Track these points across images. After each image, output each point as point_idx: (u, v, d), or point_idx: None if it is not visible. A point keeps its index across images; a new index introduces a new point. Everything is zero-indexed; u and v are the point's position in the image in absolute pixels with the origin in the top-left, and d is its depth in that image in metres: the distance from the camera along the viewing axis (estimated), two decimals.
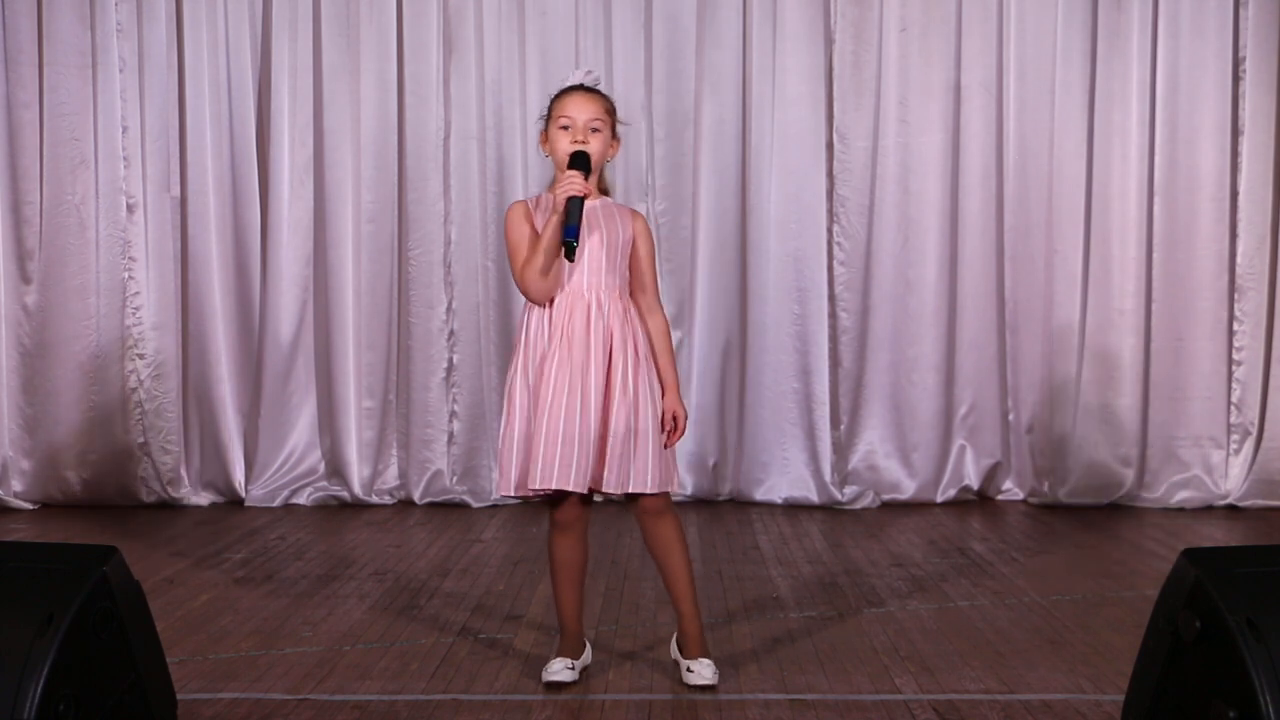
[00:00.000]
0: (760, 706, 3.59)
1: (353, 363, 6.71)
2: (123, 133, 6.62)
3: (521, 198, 6.50)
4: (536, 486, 3.63)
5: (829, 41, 6.65)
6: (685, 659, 3.79)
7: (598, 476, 3.65)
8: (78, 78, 6.59)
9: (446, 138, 6.66)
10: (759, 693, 3.71)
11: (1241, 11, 6.54)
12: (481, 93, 6.66)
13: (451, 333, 6.70)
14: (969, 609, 4.64)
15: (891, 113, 6.65)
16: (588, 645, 3.92)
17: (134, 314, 6.66)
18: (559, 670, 3.75)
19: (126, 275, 6.65)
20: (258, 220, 6.73)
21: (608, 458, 3.64)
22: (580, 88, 3.76)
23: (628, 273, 3.78)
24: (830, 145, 6.67)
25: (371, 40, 6.64)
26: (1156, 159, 6.58)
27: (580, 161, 3.64)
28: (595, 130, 3.71)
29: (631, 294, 3.78)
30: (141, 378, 6.67)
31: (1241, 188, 6.59)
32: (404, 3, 6.63)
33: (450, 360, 6.70)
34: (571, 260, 3.62)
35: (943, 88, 6.65)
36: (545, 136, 3.77)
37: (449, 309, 6.69)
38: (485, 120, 6.66)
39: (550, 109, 3.77)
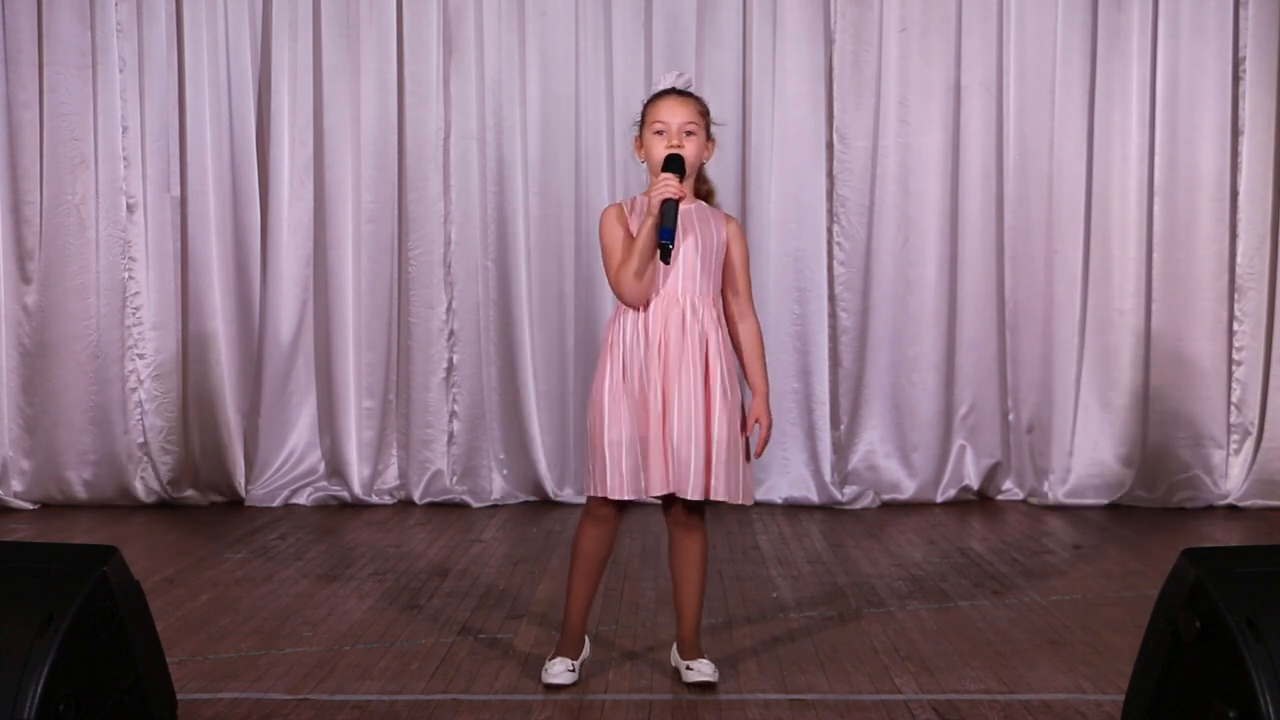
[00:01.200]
0: (760, 706, 3.59)
1: (353, 363, 6.71)
2: (123, 133, 6.62)
3: (521, 198, 6.63)
4: (655, 492, 3.62)
5: (829, 41, 6.65)
6: (683, 660, 3.79)
7: (706, 483, 3.62)
8: (78, 78, 6.59)
9: (446, 138, 6.66)
10: (759, 693, 3.71)
11: (1241, 11, 6.54)
12: (481, 93, 6.66)
13: (451, 333, 6.70)
14: (969, 609, 4.65)
15: (891, 113, 6.65)
16: (587, 641, 3.92)
17: (134, 314, 6.66)
18: (559, 673, 3.75)
19: (126, 275, 6.65)
20: (258, 220, 6.73)
21: (713, 464, 3.61)
22: (673, 91, 3.76)
23: (720, 278, 3.76)
24: (830, 145, 6.67)
25: (371, 40, 6.64)
26: (1156, 159, 6.58)
27: (675, 164, 3.63)
28: (690, 134, 3.70)
29: (724, 298, 3.77)
30: (141, 378, 6.67)
31: (1241, 188, 6.59)
32: (404, 3, 6.63)
33: (450, 360, 6.70)
34: (667, 263, 3.59)
35: (943, 88, 6.65)
36: (640, 142, 3.76)
37: (449, 309, 6.69)
38: (485, 120, 6.66)
39: (644, 114, 3.76)
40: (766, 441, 3.73)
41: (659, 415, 3.61)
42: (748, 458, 3.71)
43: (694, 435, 3.60)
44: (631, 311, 3.68)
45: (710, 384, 3.65)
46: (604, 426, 3.64)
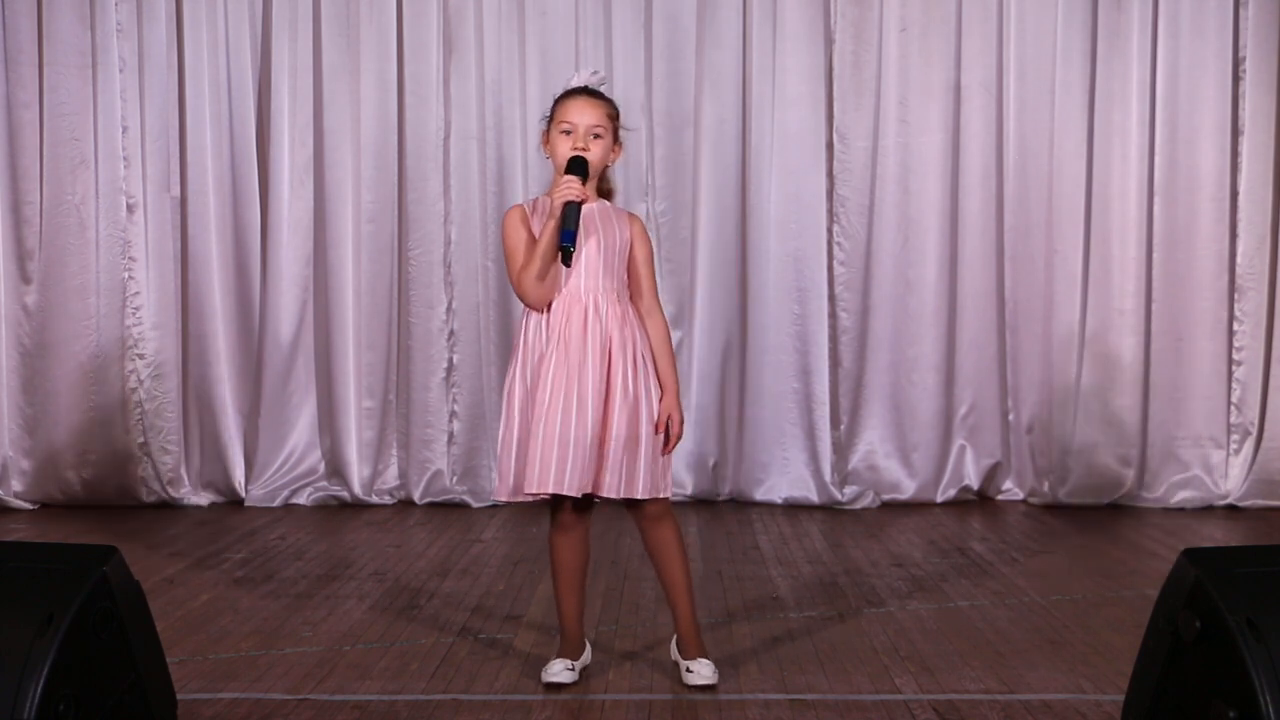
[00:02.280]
0: (760, 706, 3.59)
1: (353, 363, 6.71)
2: (123, 133, 6.62)
3: (520, 198, 6.62)
4: (532, 490, 3.62)
5: (829, 41, 6.65)
6: (684, 659, 3.79)
7: (597, 481, 3.65)
8: (78, 78, 6.59)
9: (446, 138, 6.66)
10: (759, 693, 3.71)
11: (1241, 11, 6.54)
12: (481, 93, 6.66)
13: (451, 333, 6.71)
14: (969, 609, 4.64)
15: (891, 113, 6.65)
16: (588, 646, 3.92)
17: (134, 314, 6.66)
18: (559, 671, 3.75)
19: (126, 275, 6.65)
20: (258, 220, 6.73)
21: (608, 462, 3.63)
22: (584, 90, 3.75)
23: (626, 276, 3.77)
24: (830, 145, 6.67)
25: (371, 40, 6.64)
26: (1156, 159, 6.58)
27: (578, 167, 3.63)
28: (597, 136, 3.70)
29: (631, 297, 3.78)
30: (141, 378, 6.67)
31: (1241, 188, 6.59)
32: (404, 3, 6.63)
33: (450, 360, 6.70)
34: (568, 265, 3.61)
35: (943, 88, 6.65)
36: (546, 138, 3.76)
37: (449, 309, 6.69)
38: (485, 120, 6.66)
39: (553, 111, 3.76)
40: (679, 437, 3.73)
41: (556, 414, 3.60)
42: (664, 452, 3.70)
43: (588, 434, 3.60)
44: (536, 311, 3.70)
45: (610, 382, 3.65)
46: (503, 427, 3.70)
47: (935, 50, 6.64)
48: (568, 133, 3.69)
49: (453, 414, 6.71)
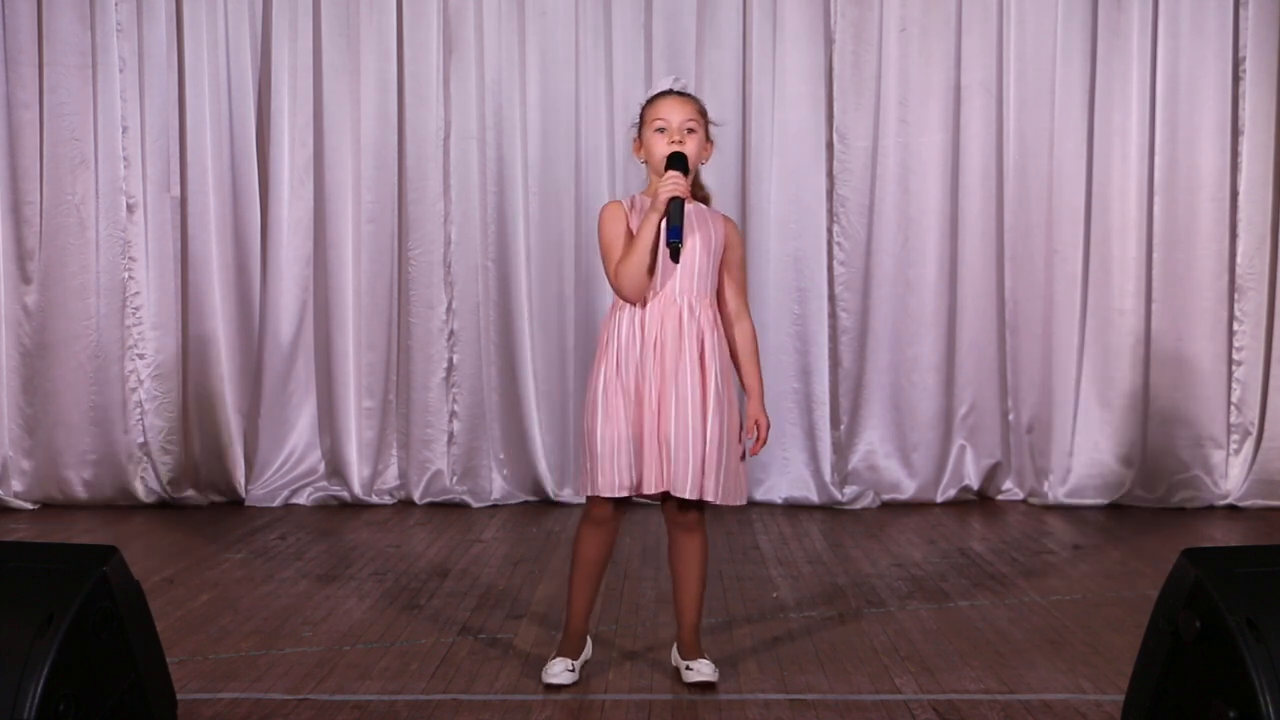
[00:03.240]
0: (760, 706, 3.59)
1: (353, 363, 6.71)
2: (123, 133, 6.62)
3: (521, 198, 6.63)
4: (650, 491, 3.62)
5: (829, 41, 6.65)
6: (683, 660, 3.79)
7: (700, 484, 3.63)
8: (78, 78, 6.59)
9: (446, 138, 6.66)
10: (759, 693, 3.71)
11: (1241, 11, 6.54)
12: (481, 93, 6.66)
13: (451, 333, 6.71)
14: (969, 609, 4.64)
15: (891, 113, 6.65)
16: (589, 641, 3.92)
17: (134, 314, 6.66)
18: (559, 673, 3.75)
19: (126, 275, 6.65)
20: (258, 220, 6.73)
21: (707, 465, 3.62)
22: (671, 92, 3.75)
23: (718, 280, 3.76)
24: (830, 145, 6.67)
25: (371, 40, 6.64)
26: (1156, 159, 6.58)
27: (679, 162, 3.62)
28: (690, 131, 3.70)
29: (720, 298, 3.77)
30: (141, 378, 6.67)
31: (1241, 188, 6.59)
32: (404, 3, 6.63)
33: (450, 360, 6.70)
34: (676, 261, 3.58)
35: (943, 88, 6.65)
36: (639, 143, 3.76)
37: (449, 309, 6.69)
38: (485, 120, 6.66)
39: (642, 114, 3.76)
40: (764, 442, 3.76)
41: (654, 414, 3.62)
42: (743, 458, 3.72)
43: (689, 435, 3.60)
44: (628, 309, 3.68)
45: (705, 384, 3.65)
46: (598, 424, 3.65)
47: (935, 50, 6.64)
48: (662, 130, 3.69)
49: (453, 414, 6.71)
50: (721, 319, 3.77)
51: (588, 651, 3.89)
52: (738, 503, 3.73)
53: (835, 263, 6.69)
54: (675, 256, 3.56)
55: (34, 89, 6.59)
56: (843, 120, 6.66)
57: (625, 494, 3.65)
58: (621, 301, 3.69)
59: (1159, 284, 6.61)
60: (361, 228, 6.69)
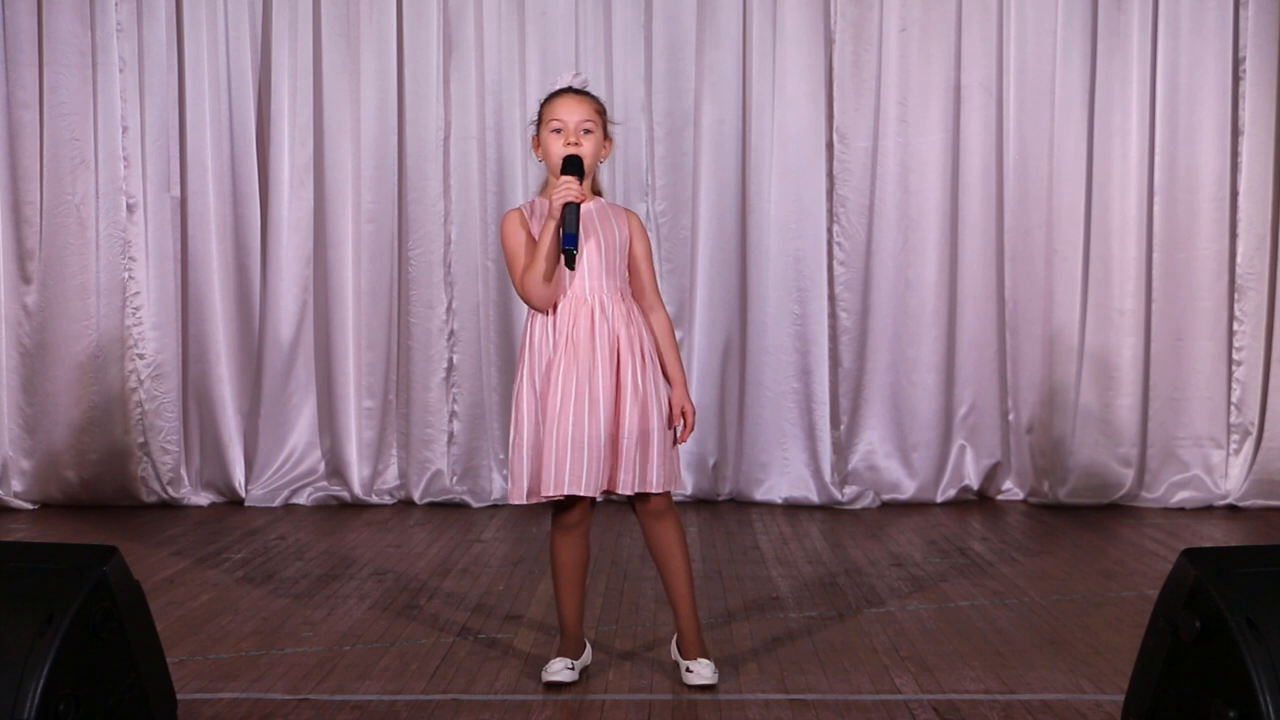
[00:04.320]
0: (760, 706, 3.59)
1: (353, 363, 6.71)
2: (123, 133, 6.63)
3: (521, 198, 6.62)
4: (550, 493, 3.62)
5: (829, 41, 6.65)
6: (684, 659, 3.79)
7: (612, 479, 3.66)
8: (78, 78, 6.60)
9: (446, 138, 6.66)
10: (759, 693, 3.71)
11: (1241, 11, 6.54)
12: (481, 93, 6.66)
13: (451, 333, 6.71)
14: (969, 609, 4.64)
15: (891, 113, 6.65)
16: (588, 645, 3.93)
17: (134, 314, 6.66)
18: (559, 670, 3.75)
19: (126, 275, 6.65)
20: (258, 220, 6.73)
21: (622, 460, 3.64)
22: (569, 90, 3.76)
23: (628, 273, 3.78)
24: (830, 145, 6.67)
25: (371, 40, 6.64)
26: (1156, 159, 6.58)
27: (573, 166, 3.64)
28: (587, 131, 3.71)
29: (633, 293, 3.79)
30: (141, 378, 6.67)
31: (1241, 188, 6.59)
32: (404, 3, 6.63)
33: (450, 360, 6.70)
34: (572, 268, 3.62)
35: (943, 88, 6.65)
36: (537, 141, 3.77)
37: (449, 309, 6.70)
38: (485, 120, 6.66)
39: (540, 113, 3.78)
40: (691, 429, 3.76)
41: (568, 416, 3.61)
42: (673, 445, 3.73)
43: (600, 434, 3.61)
44: (541, 314, 3.70)
45: (620, 380, 3.66)
46: (513, 431, 3.70)
47: (935, 50, 6.64)
48: (558, 131, 3.70)
49: (453, 414, 6.71)
50: (639, 313, 3.76)
51: (587, 656, 3.89)
52: (673, 487, 3.73)
53: (835, 263, 6.69)
54: (570, 263, 3.58)
55: (34, 89, 6.59)
56: (843, 120, 6.66)
57: (538, 500, 3.66)
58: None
59: (1159, 284, 6.61)
60: (361, 228, 6.69)
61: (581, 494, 3.62)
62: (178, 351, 6.70)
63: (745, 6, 6.63)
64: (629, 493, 3.67)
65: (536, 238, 3.66)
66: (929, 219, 6.68)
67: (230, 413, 6.77)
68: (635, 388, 3.66)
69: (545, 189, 3.74)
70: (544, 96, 3.81)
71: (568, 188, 3.59)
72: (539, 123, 3.76)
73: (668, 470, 3.70)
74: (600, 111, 3.76)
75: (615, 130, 3.85)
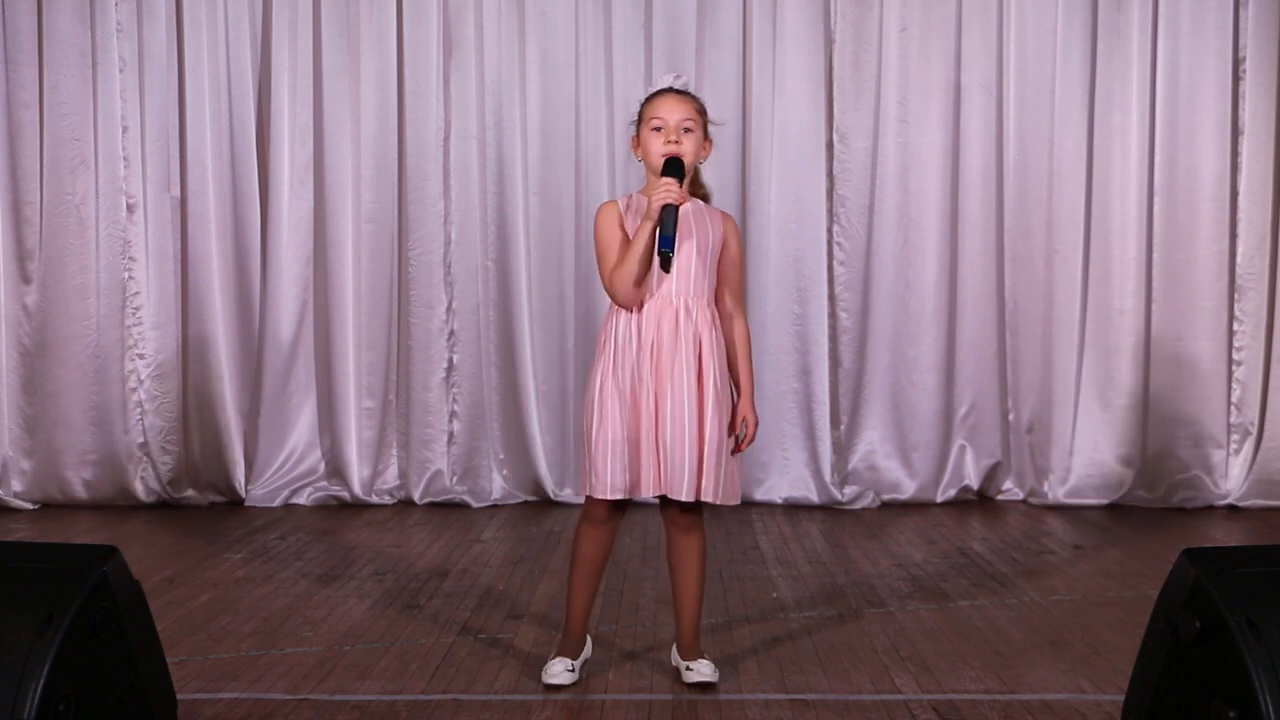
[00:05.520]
0: (760, 706, 3.59)
1: (353, 363, 6.71)
2: (123, 133, 6.62)
3: (521, 198, 6.63)
4: (648, 493, 3.63)
5: (829, 41, 6.65)
6: (683, 660, 3.79)
7: (697, 485, 3.63)
8: (78, 78, 6.59)
9: (446, 138, 6.66)
10: (759, 693, 3.71)
11: (1241, 11, 6.54)
12: (481, 93, 6.66)
13: (451, 333, 6.71)
14: (969, 609, 4.64)
15: (891, 113, 6.65)
16: (589, 640, 3.92)
17: (134, 314, 6.66)
18: (559, 673, 3.75)
19: (126, 275, 6.65)
20: (258, 220, 6.73)
21: (704, 466, 3.62)
22: (671, 90, 3.75)
23: (716, 279, 3.76)
24: (830, 145, 6.67)
25: (371, 40, 6.64)
26: (1156, 159, 6.58)
27: (674, 168, 3.61)
28: (688, 130, 3.69)
29: (716, 295, 3.77)
30: (141, 378, 6.67)
31: (1241, 188, 6.59)
32: (404, 3, 6.63)
33: (450, 360, 6.70)
34: (667, 271, 3.60)
35: (943, 88, 6.65)
36: (636, 141, 3.75)
37: (449, 309, 6.69)
38: (485, 120, 6.66)
39: (641, 112, 3.76)
40: (752, 440, 3.75)
41: (651, 416, 3.62)
42: (733, 453, 3.72)
43: (686, 437, 3.61)
44: (625, 312, 3.68)
45: (703, 385, 3.65)
46: (594, 426, 3.66)
47: (935, 50, 6.64)
48: (659, 129, 3.68)
49: (453, 414, 6.71)
50: (720, 318, 3.76)
51: (588, 650, 3.89)
52: (733, 502, 3.73)
53: (835, 263, 6.69)
54: (666, 266, 3.56)
55: (34, 89, 6.59)
56: (843, 120, 6.66)
57: (621, 496, 3.65)
58: None
59: (1159, 284, 6.61)
60: (361, 228, 6.69)
61: (678, 498, 3.61)
62: (178, 351, 6.70)
63: (745, 6, 6.63)
64: (690, 499, 3.64)
65: (630, 235, 3.65)
66: (929, 219, 6.68)
67: (230, 413, 6.76)
68: (716, 396, 3.65)
69: (646, 187, 3.71)
70: (645, 96, 3.79)
71: (668, 189, 3.56)
72: (639, 121, 3.75)
73: (732, 483, 3.69)
74: (701, 111, 3.75)
75: (714, 131, 3.82)
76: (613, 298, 3.69)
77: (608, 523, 3.75)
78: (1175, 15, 6.54)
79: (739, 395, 3.76)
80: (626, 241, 3.65)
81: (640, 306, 3.67)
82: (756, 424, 3.74)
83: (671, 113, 3.69)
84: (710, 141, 3.79)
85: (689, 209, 3.72)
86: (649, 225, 3.57)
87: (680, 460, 3.60)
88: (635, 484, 3.63)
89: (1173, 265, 6.61)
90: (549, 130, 6.65)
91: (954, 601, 4.75)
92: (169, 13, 6.62)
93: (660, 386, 3.62)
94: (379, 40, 6.65)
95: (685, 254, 3.66)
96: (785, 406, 6.66)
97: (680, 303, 3.67)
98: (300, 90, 6.67)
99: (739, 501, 3.79)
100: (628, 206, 3.73)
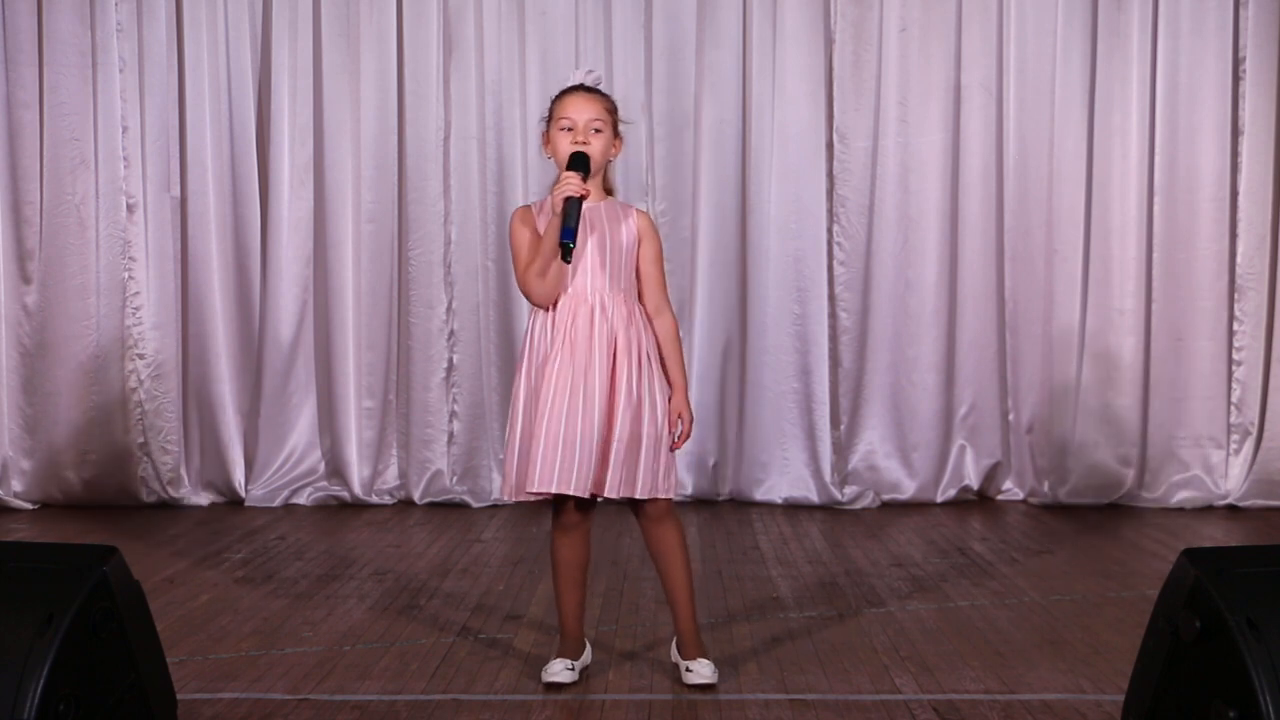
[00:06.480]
0: (760, 706, 3.59)
1: (353, 363, 6.71)
2: (123, 133, 6.62)
3: (520, 198, 6.62)
4: (535, 489, 3.62)
5: (829, 41, 6.65)
6: (684, 660, 3.79)
7: (600, 480, 3.64)
8: (78, 78, 6.59)
9: (446, 138, 6.66)
10: (759, 693, 3.71)
11: (1241, 11, 6.53)
12: (481, 93, 6.66)
13: (451, 333, 6.71)
14: (969, 609, 4.64)
15: (891, 113, 6.65)
16: (588, 646, 3.92)
17: (134, 314, 6.66)
18: (559, 671, 3.75)
19: (126, 275, 6.65)
20: (258, 220, 6.73)
21: (610, 462, 3.63)
22: (581, 88, 3.75)
23: (634, 274, 3.76)
24: (830, 145, 6.67)
25: (371, 40, 6.64)
26: (1156, 159, 6.58)
27: (578, 163, 3.63)
28: (597, 131, 3.70)
29: (639, 294, 3.77)
30: (141, 378, 6.67)
31: (1241, 188, 6.59)
32: (404, 3, 6.63)
33: (450, 360, 6.70)
34: (567, 262, 3.60)
35: (943, 88, 6.65)
36: (547, 138, 3.77)
37: (449, 309, 6.69)
38: (485, 120, 6.66)
39: (551, 110, 3.77)
40: (688, 436, 3.74)
41: (560, 413, 3.60)
42: (669, 452, 3.70)
43: (592, 433, 3.60)
44: (542, 312, 3.70)
45: (615, 382, 3.65)
46: (508, 429, 3.70)
47: (935, 50, 6.64)
48: (568, 129, 3.70)
49: (453, 414, 6.71)
50: (643, 315, 3.75)
51: (587, 656, 3.89)
52: (664, 495, 3.69)
53: (835, 263, 6.69)
54: (566, 257, 3.55)
55: (34, 89, 6.59)
56: (843, 120, 6.66)
57: (524, 498, 3.65)
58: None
59: (1159, 284, 6.61)
60: (361, 228, 6.69)
61: (569, 492, 3.61)
62: (178, 351, 6.70)
63: (745, 6, 6.63)
64: (615, 496, 3.65)
65: (542, 234, 3.66)
66: (929, 219, 6.68)
67: (230, 413, 6.76)
68: (629, 391, 3.65)
69: (554, 187, 3.72)
70: (555, 93, 3.79)
71: (569, 182, 3.58)
72: (549, 120, 3.76)
73: (657, 477, 3.67)
74: (611, 110, 3.75)
75: (624, 129, 3.83)
76: (527, 296, 3.71)
77: (576, 527, 3.75)
78: (1175, 15, 6.54)
79: (672, 391, 3.74)
80: (537, 239, 3.66)
81: (555, 304, 3.68)
82: (691, 420, 3.74)
83: (580, 113, 3.70)
84: (621, 139, 3.79)
85: (600, 205, 3.73)
86: (556, 220, 3.58)
87: (586, 456, 3.59)
88: (531, 480, 3.60)
89: (1173, 265, 6.61)
90: None
91: (954, 601, 4.75)
92: (169, 13, 6.62)
93: (572, 381, 3.62)
94: (379, 40, 6.65)
95: (592, 249, 3.67)
96: (785, 406, 6.66)
97: (595, 299, 3.68)
98: (300, 90, 6.67)
99: (673, 494, 3.73)
100: (540, 209, 3.75)
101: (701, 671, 3.73)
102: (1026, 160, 6.65)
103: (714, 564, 5.35)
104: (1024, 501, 6.74)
